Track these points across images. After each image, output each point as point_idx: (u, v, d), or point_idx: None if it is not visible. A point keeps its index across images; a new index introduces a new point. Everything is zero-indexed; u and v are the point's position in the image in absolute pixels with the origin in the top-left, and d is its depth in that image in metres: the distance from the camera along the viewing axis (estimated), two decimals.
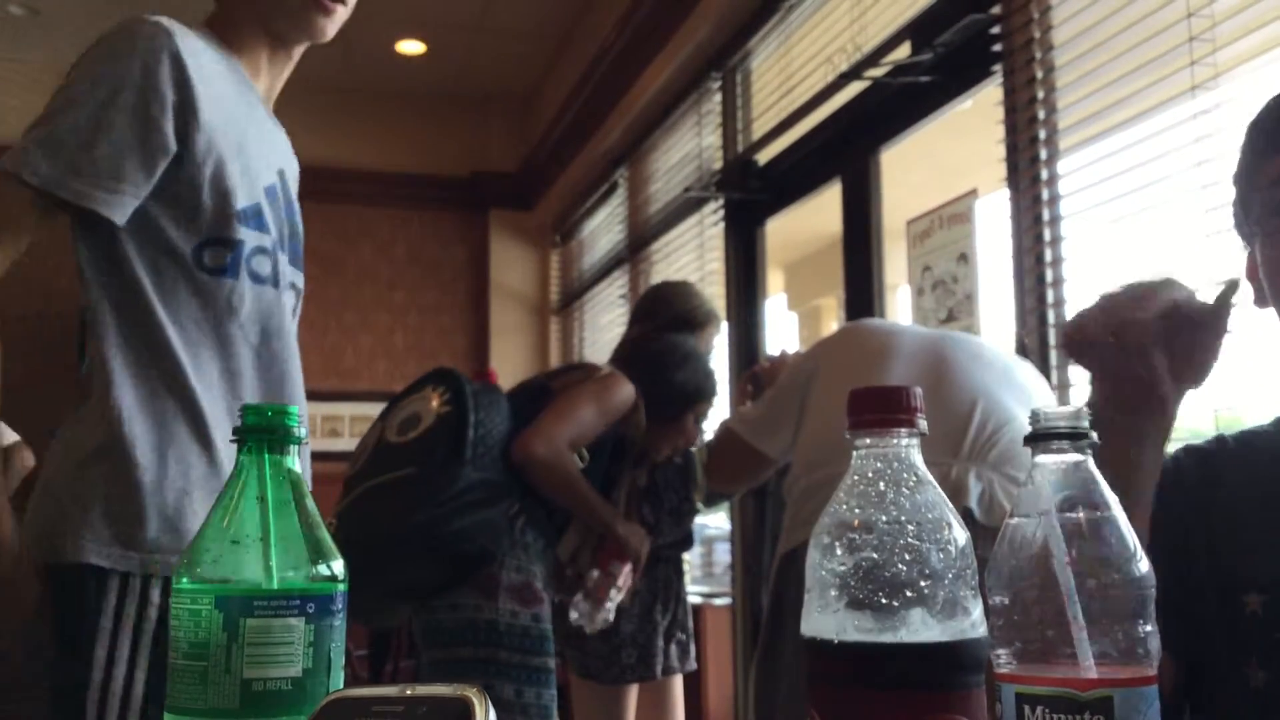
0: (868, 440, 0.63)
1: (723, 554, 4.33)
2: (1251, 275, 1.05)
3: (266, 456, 0.73)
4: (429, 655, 2.19)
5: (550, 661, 2.20)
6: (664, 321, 2.63)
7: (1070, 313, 2.40)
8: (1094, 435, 0.66)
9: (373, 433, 2.29)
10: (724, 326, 2.79)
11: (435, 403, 2.20)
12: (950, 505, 0.62)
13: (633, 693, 2.68)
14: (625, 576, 2.41)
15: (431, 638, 2.18)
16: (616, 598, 2.41)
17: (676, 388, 2.46)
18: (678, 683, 2.81)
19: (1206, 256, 2.01)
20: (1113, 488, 0.65)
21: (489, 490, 2.15)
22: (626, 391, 2.40)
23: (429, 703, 0.61)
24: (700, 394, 2.55)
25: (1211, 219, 2.00)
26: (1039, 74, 2.50)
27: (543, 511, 2.30)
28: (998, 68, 2.65)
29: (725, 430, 2.34)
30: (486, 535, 2.14)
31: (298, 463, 0.75)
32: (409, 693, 0.61)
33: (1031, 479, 0.66)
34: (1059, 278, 2.43)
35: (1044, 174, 2.48)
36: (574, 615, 2.42)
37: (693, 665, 2.82)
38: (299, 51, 1.60)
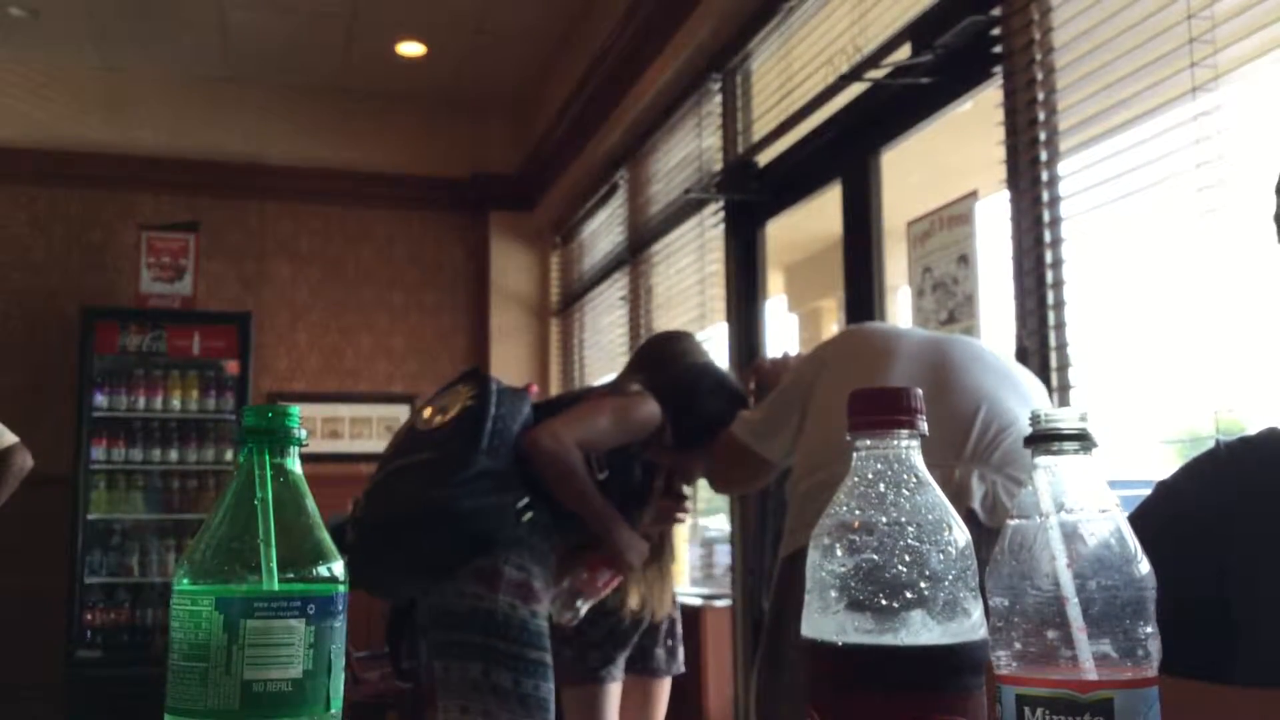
0: (868, 441, 0.62)
1: (723, 555, 4.32)
2: None
3: (267, 458, 0.73)
4: (433, 636, 2.30)
5: (547, 656, 2.28)
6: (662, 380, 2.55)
7: (1070, 313, 2.41)
8: (1095, 436, 0.66)
9: (406, 423, 2.49)
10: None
11: (463, 397, 2.36)
12: (950, 507, 0.61)
13: (611, 691, 2.67)
14: (605, 585, 2.44)
15: (436, 620, 2.29)
16: (585, 604, 2.44)
17: (708, 415, 2.46)
18: (665, 685, 2.81)
19: (1205, 257, 2.01)
20: None
21: (499, 480, 2.27)
22: (649, 410, 2.42)
23: None
24: (731, 420, 2.53)
25: (1211, 220, 2.00)
26: (1039, 75, 2.51)
27: (549, 513, 2.33)
28: (998, 69, 2.65)
29: (726, 433, 2.34)
30: (490, 520, 2.26)
31: (298, 464, 0.75)
32: None
33: (1032, 480, 0.66)
34: (1059, 279, 2.43)
35: (1044, 175, 2.48)
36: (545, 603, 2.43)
37: (681, 668, 2.82)
38: None
